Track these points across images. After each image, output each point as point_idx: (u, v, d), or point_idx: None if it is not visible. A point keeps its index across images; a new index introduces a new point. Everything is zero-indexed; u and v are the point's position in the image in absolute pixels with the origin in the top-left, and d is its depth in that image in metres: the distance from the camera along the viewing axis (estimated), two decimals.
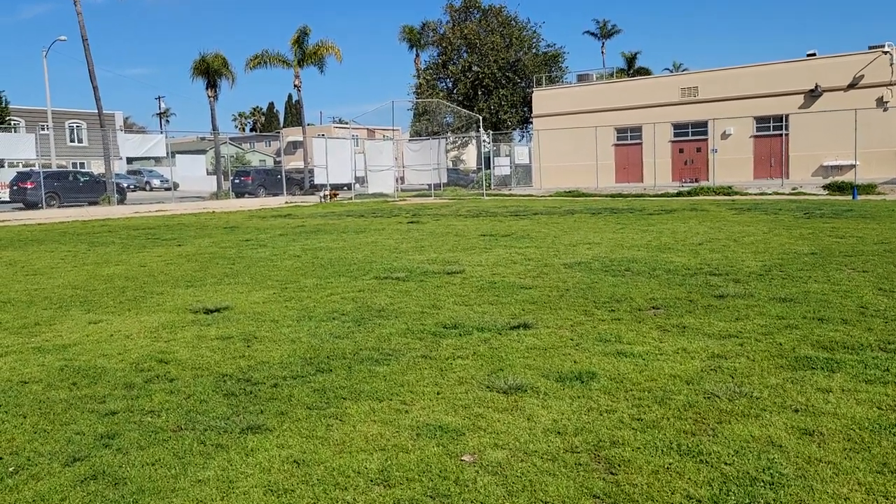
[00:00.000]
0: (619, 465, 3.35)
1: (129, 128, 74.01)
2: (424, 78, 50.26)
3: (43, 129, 45.24)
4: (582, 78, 43.79)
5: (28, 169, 34.45)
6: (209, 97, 42.72)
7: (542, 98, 42.54)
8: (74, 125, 58.42)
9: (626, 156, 39.16)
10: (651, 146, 37.13)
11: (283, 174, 39.11)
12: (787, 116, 33.28)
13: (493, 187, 40.70)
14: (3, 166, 39.39)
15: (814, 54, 34.77)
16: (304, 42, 43.90)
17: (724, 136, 35.63)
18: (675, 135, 37.71)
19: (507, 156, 43.92)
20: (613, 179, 38.28)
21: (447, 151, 45.90)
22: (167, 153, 33.98)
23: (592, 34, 79.39)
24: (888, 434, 3.61)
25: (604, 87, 41.67)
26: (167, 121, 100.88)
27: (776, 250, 10.67)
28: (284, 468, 3.45)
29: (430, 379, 4.78)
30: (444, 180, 40.69)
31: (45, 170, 34.01)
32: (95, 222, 22.52)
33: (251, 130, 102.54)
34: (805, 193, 27.17)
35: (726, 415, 3.94)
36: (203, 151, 58.87)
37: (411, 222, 18.82)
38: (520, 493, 3.13)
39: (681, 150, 37.71)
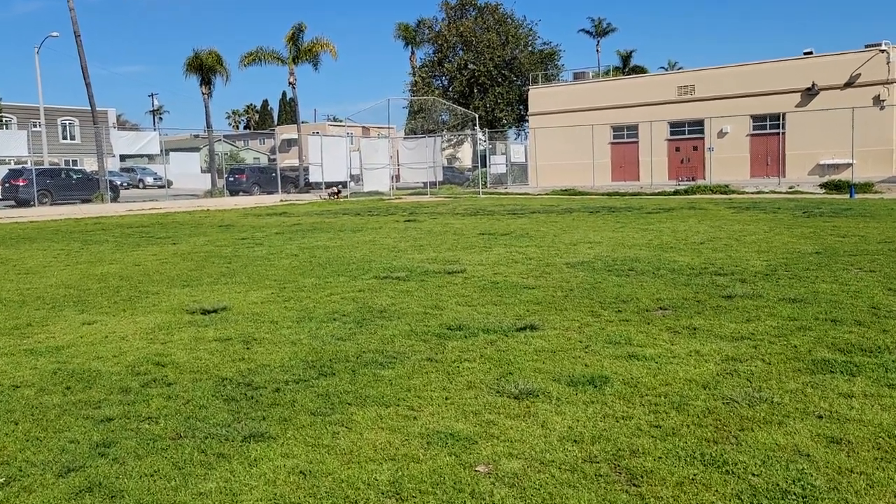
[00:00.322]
0: (641, 477, 3.20)
1: (122, 125, 73.55)
2: (420, 76, 50.02)
3: (35, 125, 44.80)
4: (578, 76, 43.64)
5: (20, 166, 34.18)
6: (203, 94, 42.39)
7: (539, 96, 42.40)
8: (67, 122, 57.96)
9: (622, 154, 39.04)
10: (647, 144, 37.03)
11: (278, 172, 38.87)
12: (783, 115, 33.22)
13: (488, 185, 40.53)
14: None
15: (810, 53, 34.70)
16: (299, 39, 43.66)
17: (721, 134, 35.56)
18: (672, 133, 37.62)
19: (502, 154, 43.75)
20: (610, 178, 38.16)
21: (443, 149, 45.70)
22: (161, 150, 33.73)
23: (587, 32, 79.32)
24: None
25: (600, 85, 41.54)
26: (161, 118, 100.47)
27: (779, 249, 10.55)
28: (290, 480, 3.29)
29: (437, 383, 4.62)
30: (440, 178, 40.52)
31: (37, 167, 33.73)
32: (88, 220, 22.27)
33: (245, 128, 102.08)
34: (802, 192, 27.10)
35: (748, 421, 3.80)
36: (197, 149, 58.60)
37: (408, 220, 18.65)
38: None
39: (677, 149, 37.62)
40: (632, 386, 4.46)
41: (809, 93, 33.37)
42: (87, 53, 35.41)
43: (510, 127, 49.44)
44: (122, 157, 50.21)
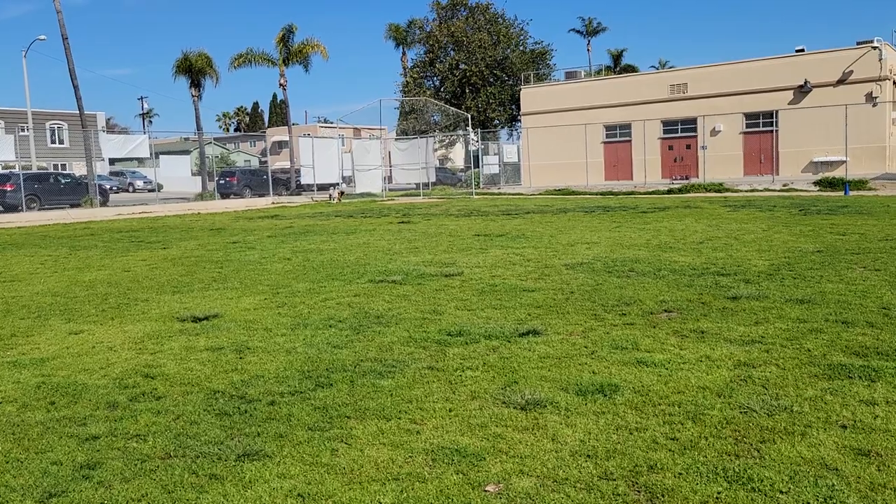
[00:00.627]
0: (661, 496, 3.01)
1: (111, 129, 72.98)
2: (411, 76, 49.79)
3: (23, 130, 44.38)
4: (570, 75, 43.50)
5: (7, 171, 33.72)
6: (193, 96, 42.01)
7: (531, 96, 42.24)
8: (55, 126, 57.41)
9: (615, 153, 38.93)
10: (640, 143, 36.94)
11: (270, 174, 38.57)
12: (776, 112, 33.16)
13: (481, 186, 40.34)
14: None
15: (802, 50, 34.67)
16: (289, 40, 43.39)
17: (714, 132, 35.48)
18: (665, 132, 37.53)
19: (495, 154, 43.56)
20: (603, 177, 38.03)
21: (435, 150, 45.47)
22: (150, 154, 33.34)
23: (578, 32, 79.25)
24: None
25: (592, 84, 41.43)
26: (150, 121, 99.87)
27: (780, 248, 10.40)
28: None
29: (439, 394, 4.42)
30: (433, 179, 40.31)
31: (24, 171, 33.31)
32: (77, 225, 21.94)
33: (236, 130, 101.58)
34: (796, 190, 27.04)
35: (768, 432, 3.61)
36: (187, 152, 58.15)
37: (402, 222, 18.44)
38: None
39: (670, 148, 37.53)
40: (643, 394, 4.27)
41: (802, 90, 33.33)
42: (75, 56, 35.07)
43: (502, 127, 49.31)
44: (112, 161, 49.68)
